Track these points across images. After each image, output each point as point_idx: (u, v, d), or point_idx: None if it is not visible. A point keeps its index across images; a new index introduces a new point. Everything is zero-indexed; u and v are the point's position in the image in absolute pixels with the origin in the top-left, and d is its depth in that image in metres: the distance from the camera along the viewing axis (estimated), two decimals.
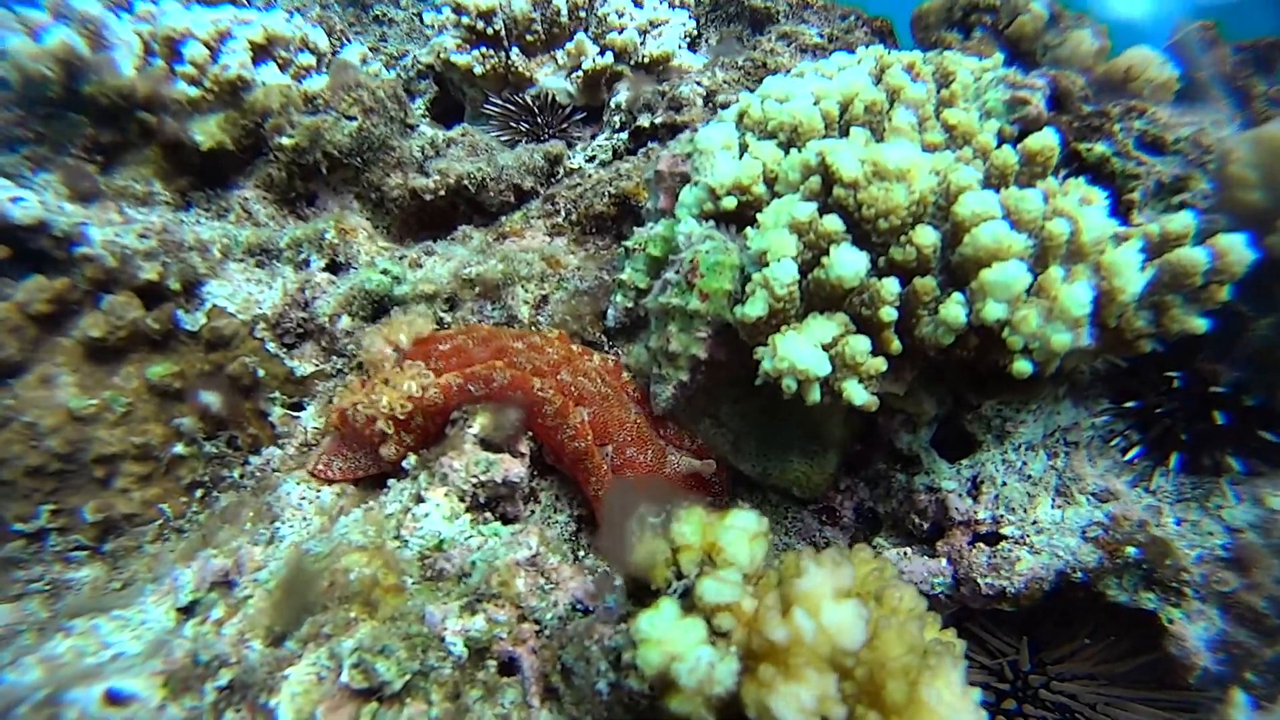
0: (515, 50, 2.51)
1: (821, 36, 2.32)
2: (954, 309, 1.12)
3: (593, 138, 2.47)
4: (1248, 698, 1.23)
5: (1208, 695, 1.29)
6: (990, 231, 1.11)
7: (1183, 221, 1.21)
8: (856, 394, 1.11)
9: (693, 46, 2.86)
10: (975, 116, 1.43)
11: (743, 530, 0.86)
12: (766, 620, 0.78)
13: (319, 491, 1.47)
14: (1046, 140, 1.33)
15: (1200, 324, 1.20)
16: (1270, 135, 1.21)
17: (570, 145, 2.47)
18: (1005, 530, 1.29)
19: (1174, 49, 2.11)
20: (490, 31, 2.48)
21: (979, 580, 1.25)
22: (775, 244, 1.20)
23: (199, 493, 1.58)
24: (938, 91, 1.52)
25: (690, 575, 0.86)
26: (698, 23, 2.92)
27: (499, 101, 2.55)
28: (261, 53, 2.06)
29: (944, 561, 1.30)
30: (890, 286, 1.15)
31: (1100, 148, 1.50)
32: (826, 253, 1.17)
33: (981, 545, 1.28)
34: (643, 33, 2.58)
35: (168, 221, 1.65)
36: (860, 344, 1.11)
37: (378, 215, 2.13)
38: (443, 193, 2.11)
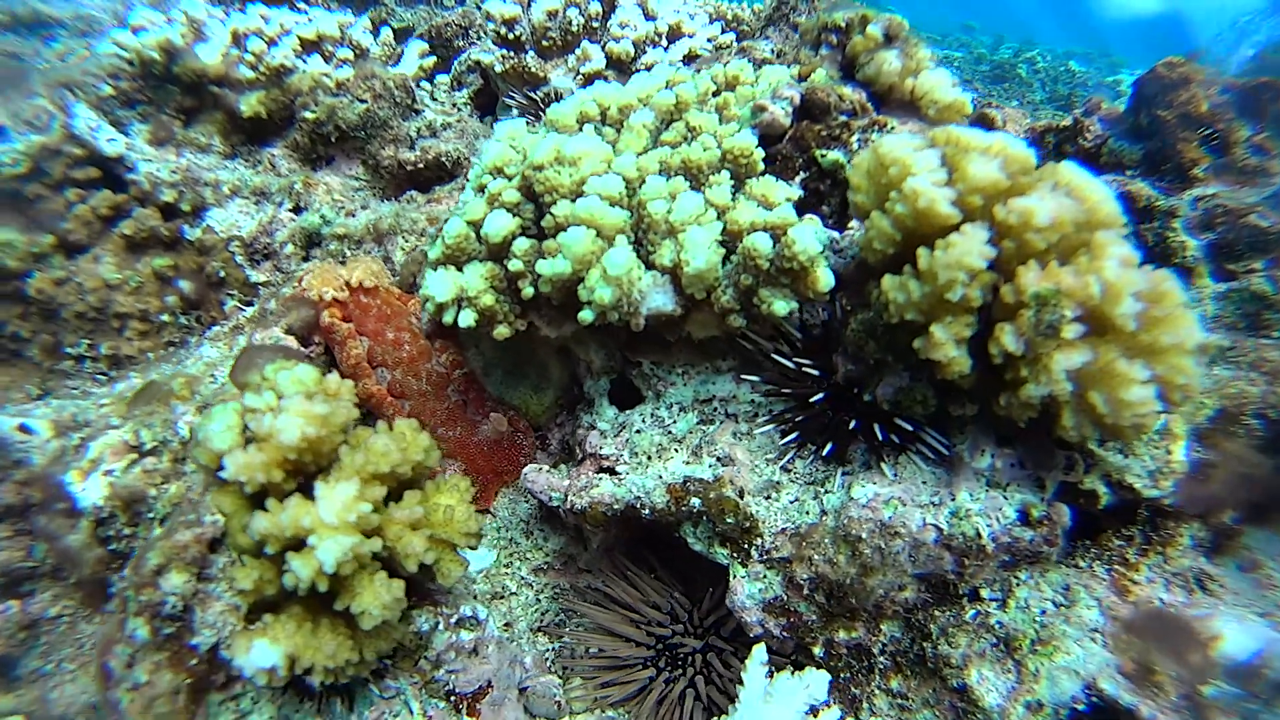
0: (531, 53, 3.12)
1: (771, 52, 2.59)
2: (545, 262, 1.49)
3: None
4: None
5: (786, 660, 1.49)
6: (585, 205, 1.47)
7: (782, 213, 1.44)
8: (465, 318, 1.54)
9: None
10: (715, 119, 1.73)
11: (294, 373, 1.35)
12: (259, 419, 1.27)
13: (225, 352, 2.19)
14: (741, 141, 1.62)
15: (781, 308, 1.44)
16: (879, 144, 1.39)
17: None
18: (619, 469, 1.60)
19: (1138, 84, 2.13)
20: (512, 36, 3.10)
21: (572, 498, 1.57)
22: (469, 208, 1.65)
23: (171, 349, 2.39)
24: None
25: None
26: (737, 36, 3.32)
27: (516, 96, 3.17)
28: (311, 47, 2.88)
29: (566, 481, 1.63)
30: (519, 245, 1.55)
31: (834, 155, 1.70)
32: None
33: (593, 474, 1.60)
34: (640, 44, 3.05)
35: (193, 163, 2.49)
36: (473, 281, 1.54)
37: (375, 179, 2.85)
38: (422, 165, 2.78)
